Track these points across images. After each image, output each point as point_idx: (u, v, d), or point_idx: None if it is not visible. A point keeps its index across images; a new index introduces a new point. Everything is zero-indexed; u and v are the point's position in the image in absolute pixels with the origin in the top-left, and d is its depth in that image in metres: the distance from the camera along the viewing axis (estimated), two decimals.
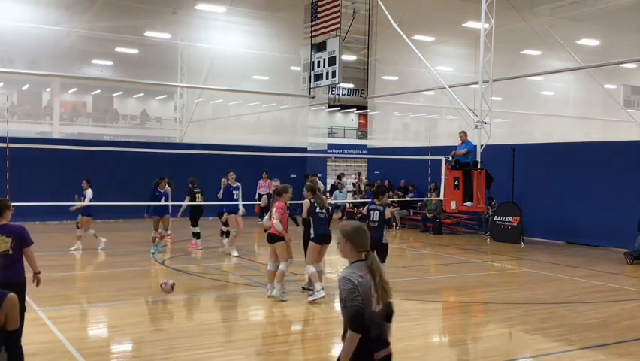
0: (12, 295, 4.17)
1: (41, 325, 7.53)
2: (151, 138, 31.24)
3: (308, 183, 10.00)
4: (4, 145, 11.83)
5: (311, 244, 9.37)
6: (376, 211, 9.71)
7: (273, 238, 9.18)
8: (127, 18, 24.68)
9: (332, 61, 20.49)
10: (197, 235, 14.44)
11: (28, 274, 5.91)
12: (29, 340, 6.72)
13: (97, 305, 8.94)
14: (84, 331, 7.67)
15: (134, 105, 37.61)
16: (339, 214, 24.40)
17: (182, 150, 20.42)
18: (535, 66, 24.92)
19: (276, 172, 19.45)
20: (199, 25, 25.53)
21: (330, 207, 9.74)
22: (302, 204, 9.88)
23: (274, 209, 9.27)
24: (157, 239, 13.79)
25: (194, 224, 14.47)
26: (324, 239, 9.35)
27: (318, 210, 9.40)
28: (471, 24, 22.52)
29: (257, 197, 19.17)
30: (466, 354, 7.07)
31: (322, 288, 9.03)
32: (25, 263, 5.86)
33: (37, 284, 6.00)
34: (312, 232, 9.37)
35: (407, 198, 20.46)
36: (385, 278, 3.66)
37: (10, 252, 5.66)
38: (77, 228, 13.95)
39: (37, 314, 7.95)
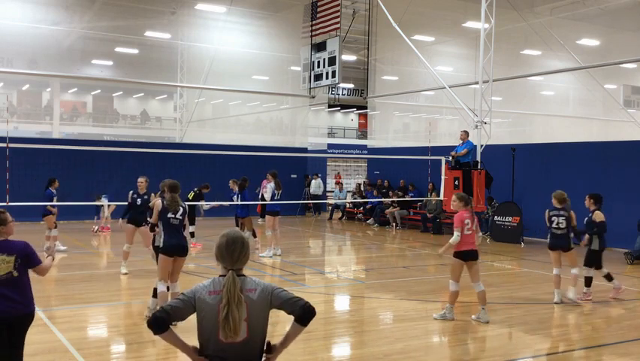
0: None
1: (41, 325, 7.52)
2: (151, 138, 31.24)
3: (169, 181, 7.97)
4: (4, 145, 11.82)
5: (160, 256, 7.70)
6: (562, 218, 9.18)
7: (473, 255, 8.22)
8: (127, 18, 24.69)
9: (332, 61, 20.50)
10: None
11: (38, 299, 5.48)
12: (29, 340, 6.71)
13: (97, 305, 8.94)
14: (84, 331, 7.67)
15: (134, 105, 37.58)
16: (339, 214, 24.35)
17: (182, 150, 20.42)
18: (535, 66, 24.90)
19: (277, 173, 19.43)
20: (199, 25, 25.54)
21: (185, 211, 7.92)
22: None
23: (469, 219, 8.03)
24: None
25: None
26: (175, 250, 7.64)
27: (169, 214, 7.67)
28: (471, 24, 22.51)
29: (260, 197, 19.17)
30: (466, 354, 7.07)
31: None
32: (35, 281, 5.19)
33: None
34: (160, 241, 7.77)
35: (407, 198, 20.47)
36: (234, 314, 3.02)
37: (15, 273, 4.64)
38: (49, 228, 13.32)
39: (37, 314, 7.94)
